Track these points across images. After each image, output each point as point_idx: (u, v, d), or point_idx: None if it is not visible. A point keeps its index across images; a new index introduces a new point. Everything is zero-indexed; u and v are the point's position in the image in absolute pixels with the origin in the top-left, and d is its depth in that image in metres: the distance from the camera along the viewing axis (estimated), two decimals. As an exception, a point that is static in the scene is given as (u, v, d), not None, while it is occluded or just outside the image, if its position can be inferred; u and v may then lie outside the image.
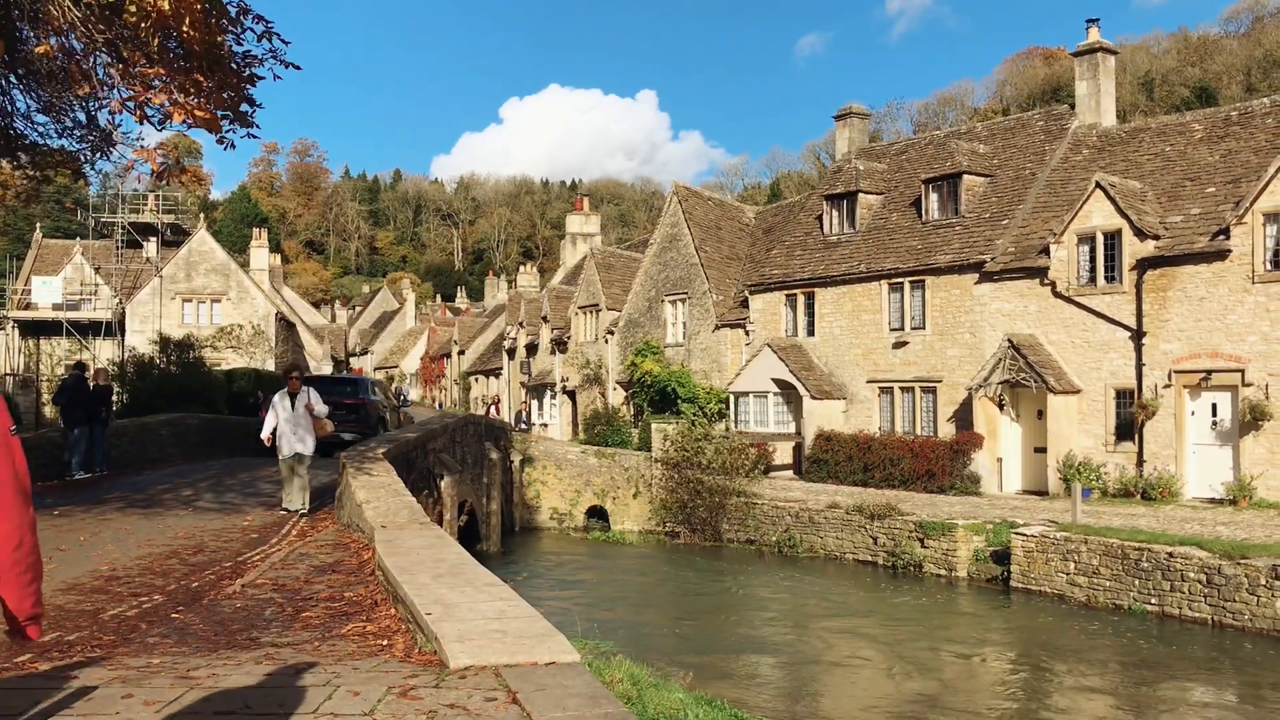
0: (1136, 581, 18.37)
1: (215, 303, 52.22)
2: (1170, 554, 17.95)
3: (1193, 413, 24.29)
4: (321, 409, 14.07)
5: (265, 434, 13.89)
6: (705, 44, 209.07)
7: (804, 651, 17.39)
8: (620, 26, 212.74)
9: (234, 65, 11.02)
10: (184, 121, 10.45)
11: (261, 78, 11.17)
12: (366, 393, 26.73)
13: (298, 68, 11.32)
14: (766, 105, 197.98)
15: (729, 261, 38.45)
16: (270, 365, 50.18)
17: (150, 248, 53.31)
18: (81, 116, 12.28)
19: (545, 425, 48.68)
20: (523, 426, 43.70)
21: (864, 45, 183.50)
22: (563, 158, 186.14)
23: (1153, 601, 18.09)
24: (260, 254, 61.48)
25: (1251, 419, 22.91)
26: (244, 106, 11.29)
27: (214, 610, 8.02)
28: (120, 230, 51.94)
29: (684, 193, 40.13)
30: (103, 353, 47.24)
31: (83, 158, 12.97)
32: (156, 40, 9.90)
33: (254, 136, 11.76)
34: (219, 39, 10.41)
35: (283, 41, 11.16)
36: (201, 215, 63.41)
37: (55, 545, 10.91)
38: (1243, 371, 23.23)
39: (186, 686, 5.55)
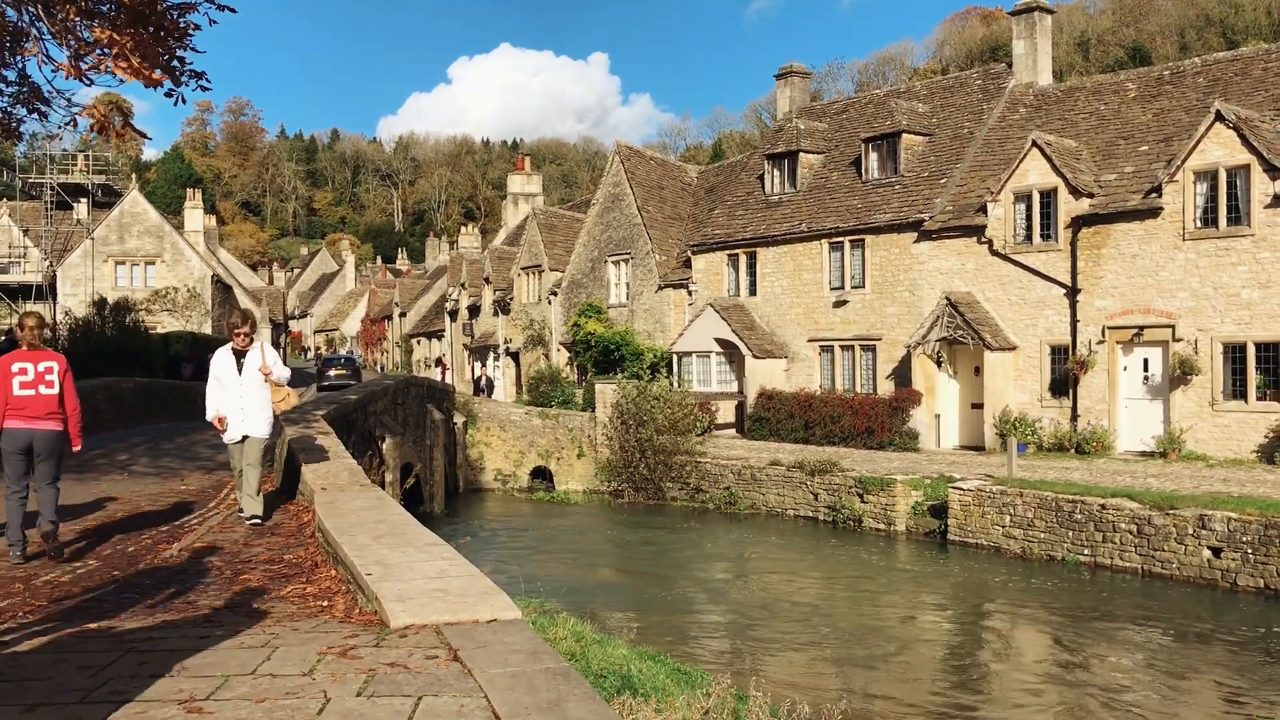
0: (1070, 533, 18.82)
1: (149, 265, 51.19)
2: (1103, 506, 18.40)
3: (1125, 368, 24.79)
4: (282, 373, 10.26)
5: (212, 415, 10.12)
6: (658, 6, 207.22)
7: (746, 607, 17.60)
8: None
9: (168, 18, 10.68)
10: (122, 77, 10.09)
11: (198, 26, 10.86)
12: (357, 362, 51.14)
13: (232, 10, 11.00)
14: (715, 69, 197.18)
15: (672, 221, 38.40)
16: (207, 328, 49.35)
17: (81, 209, 51.88)
18: (12, 74, 11.88)
19: (489, 387, 48.43)
20: (484, 393, 43.19)
21: (815, 7, 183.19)
22: (513, 120, 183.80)
23: (1085, 552, 18.55)
24: (195, 215, 60.37)
25: (1181, 374, 23.44)
26: (188, 56, 10.97)
27: (151, 574, 7.94)
28: (49, 191, 50.51)
29: (626, 152, 39.92)
30: (33, 317, 46.10)
31: (12, 115, 12.55)
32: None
33: (205, 89, 11.40)
34: None
35: None
36: (133, 176, 61.78)
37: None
38: (1173, 327, 23.72)
39: (122, 650, 5.50)
